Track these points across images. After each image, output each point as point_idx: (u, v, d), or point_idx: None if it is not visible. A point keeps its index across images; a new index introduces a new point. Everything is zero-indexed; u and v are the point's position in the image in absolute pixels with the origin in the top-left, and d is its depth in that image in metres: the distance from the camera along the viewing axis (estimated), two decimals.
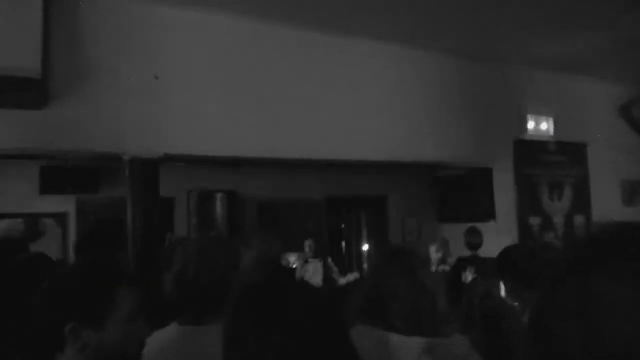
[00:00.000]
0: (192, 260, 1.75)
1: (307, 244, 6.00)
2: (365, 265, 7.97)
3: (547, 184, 5.05)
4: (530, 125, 4.93)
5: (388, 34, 4.19)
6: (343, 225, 8.01)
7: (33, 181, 5.71)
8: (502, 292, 2.46)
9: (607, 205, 5.36)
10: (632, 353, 0.56)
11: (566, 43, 4.55)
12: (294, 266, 6.20)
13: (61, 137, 3.25)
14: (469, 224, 8.06)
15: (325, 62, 4.11)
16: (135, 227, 3.64)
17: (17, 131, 3.14)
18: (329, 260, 6.01)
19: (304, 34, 3.99)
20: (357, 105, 4.21)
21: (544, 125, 4.99)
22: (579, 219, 5.19)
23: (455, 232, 8.37)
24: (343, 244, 7.93)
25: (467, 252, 8.06)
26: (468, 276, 6.64)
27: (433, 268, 4.96)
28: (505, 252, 2.65)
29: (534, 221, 4.95)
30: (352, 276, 5.78)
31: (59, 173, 5.72)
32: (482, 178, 6.13)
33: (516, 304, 2.27)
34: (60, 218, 5.98)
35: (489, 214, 6.05)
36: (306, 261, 6.11)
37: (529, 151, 4.99)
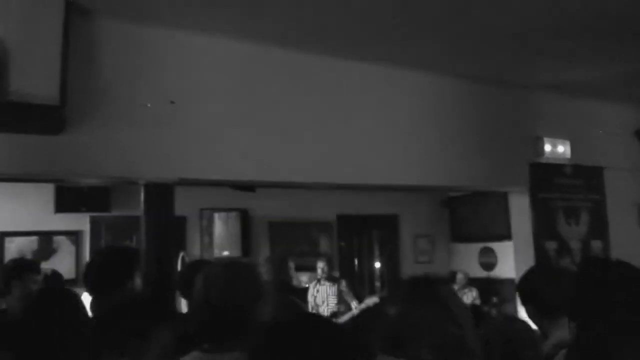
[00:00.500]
0: (215, 285, 1.73)
1: (320, 265, 5.96)
2: (377, 284, 7.90)
3: (564, 208, 4.99)
4: (547, 148, 4.89)
5: (403, 60, 4.19)
6: (354, 245, 7.96)
7: (48, 200, 5.77)
8: (524, 316, 2.42)
9: (624, 230, 5.28)
10: None
11: (583, 67, 4.53)
12: (306, 286, 6.16)
13: (77, 162, 3.27)
14: (482, 244, 7.99)
15: (338, 87, 4.11)
16: (149, 249, 3.65)
17: (34, 156, 3.16)
18: (343, 284, 5.95)
19: (319, 59, 4.00)
20: (371, 131, 4.20)
21: (560, 149, 4.95)
22: (596, 244, 5.11)
23: (467, 252, 8.31)
24: (355, 262, 7.88)
25: (480, 272, 7.99)
26: (470, 298, 6.61)
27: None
28: (528, 277, 2.60)
29: (550, 246, 4.88)
30: (370, 301, 5.68)
31: (73, 192, 5.77)
32: (497, 199, 6.09)
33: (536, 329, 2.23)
34: (74, 236, 6.03)
35: (505, 236, 5.98)
36: (318, 281, 6.07)
37: (545, 175, 4.94)
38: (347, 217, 7.54)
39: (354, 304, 5.70)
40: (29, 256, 5.43)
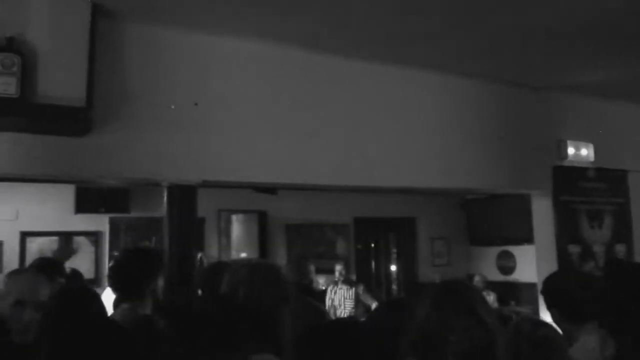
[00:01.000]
0: (243, 284, 1.72)
1: (338, 268, 5.96)
2: (394, 287, 7.87)
3: (587, 212, 4.92)
4: (570, 151, 4.82)
5: (425, 61, 4.15)
6: (371, 247, 7.94)
7: (69, 201, 5.82)
8: (549, 320, 2.38)
9: None
10: None
11: (606, 69, 4.46)
12: (324, 288, 6.15)
13: (102, 164, 3.29)
14: (501, 248, 7.92)
15: (359, 89, 4.09)
16: (172, 251, 3.66)
17: (60, 157, 3.18)
18: (362, 288, 5.93)
19: (339, 61, 3.98)
20: (392, 133, 4.17)
21: (584, 152, 4.88)
22: (620, 249, 5.03)
23: (485, 255, 8.23)
24: (372, 265, 7.86)
25: (498, 276, 7.92)
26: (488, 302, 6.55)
27: None
28: (555, 281, 2.55)
29: (574, 249, 4.81)
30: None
31: (93, 194, 5.83)
32: (517, 202, 6.02)
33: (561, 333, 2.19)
34: (94, 237, 6.08)
35: (525, 239, 5.91)
36: (336, 284, 6.06)
37: (569, 178, 4.87)
38: (364, 220, 7.53)
39: (374, 307, 5.67)
40: (49, 256, 5.49)
